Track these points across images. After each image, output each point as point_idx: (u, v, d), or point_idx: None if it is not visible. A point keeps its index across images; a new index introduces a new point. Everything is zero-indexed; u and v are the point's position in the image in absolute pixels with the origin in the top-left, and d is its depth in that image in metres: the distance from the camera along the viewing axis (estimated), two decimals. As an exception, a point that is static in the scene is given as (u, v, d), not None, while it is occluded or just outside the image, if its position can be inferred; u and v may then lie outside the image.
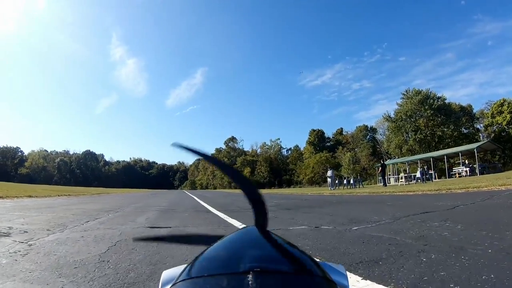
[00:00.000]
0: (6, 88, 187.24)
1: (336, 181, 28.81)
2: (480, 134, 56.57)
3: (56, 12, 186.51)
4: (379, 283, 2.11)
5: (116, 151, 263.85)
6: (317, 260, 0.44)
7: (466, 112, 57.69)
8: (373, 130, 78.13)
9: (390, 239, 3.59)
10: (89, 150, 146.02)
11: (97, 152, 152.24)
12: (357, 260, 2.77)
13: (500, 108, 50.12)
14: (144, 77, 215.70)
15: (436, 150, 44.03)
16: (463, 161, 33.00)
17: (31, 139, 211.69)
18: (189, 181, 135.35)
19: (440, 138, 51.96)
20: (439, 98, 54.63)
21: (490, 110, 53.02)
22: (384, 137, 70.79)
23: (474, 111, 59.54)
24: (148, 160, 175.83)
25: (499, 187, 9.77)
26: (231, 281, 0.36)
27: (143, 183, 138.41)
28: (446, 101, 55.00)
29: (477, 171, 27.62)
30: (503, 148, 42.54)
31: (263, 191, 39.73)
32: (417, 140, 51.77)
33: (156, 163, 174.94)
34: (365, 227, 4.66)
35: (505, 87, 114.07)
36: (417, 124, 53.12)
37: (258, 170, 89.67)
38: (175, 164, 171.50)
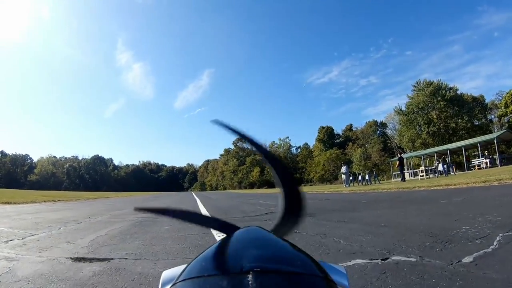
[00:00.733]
0: (15, 96, 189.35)
1: (351, 178, 27.83)
2: (494, 126, 55.30)
3: (61, 20, 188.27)
4: None
5: (125, 155, 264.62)
6: (317, 260, 0.43)
7: (478, 103, 56.18)
8: (383, 125, 77.11)
9: None
10: (98, 155, 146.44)
11: (106, 157, 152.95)
12: None
13: (513, 97, 48.65)
14: (150, 81, 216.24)
15: (450, 143, 42.69)
16: (481, 152, 31.86)
17: (40, 146, 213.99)
18: (198, 182, 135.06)
19: (453, 130, 50.66)
20: (450, 89, 53.36)
21: (503, 99, 51.39)
22: (395, 131, 69.92)
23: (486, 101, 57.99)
24: (157, 163, 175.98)
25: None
26: (231, 281, 0.36)
27: (153, 186, 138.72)
28: (458, 92, 53.78)
29: (497, 162, 26.50)
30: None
31: (273, 191, 38.62)
32: (430, 133, 50.44)
33: (165, 166, 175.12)
34: (484, 252, 2.72)
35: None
36: (429, 117, 51.83)
37: (268, 170, 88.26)
38: (184, 166, 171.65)
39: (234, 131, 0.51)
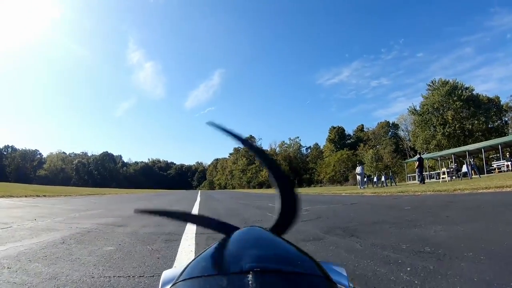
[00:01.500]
0: (27, 93, 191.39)
1: (365, 179, 26.83)
2: (508, 128, 53.80)
3: (73, 19, 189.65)
4: None
5: (135, 152, 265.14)
6: (318, 260, 0.44)
7: (493, 104, 54.59)
8: (395, 126, 75.87)
9: None
10: (107, 152, 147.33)
11: (115, 154, 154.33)
12: None
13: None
14: (161, 80, 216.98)
15: (465, 145, 41.28)
16: (501, 155, 30.58)
17: (51, 142, 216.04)
18: (207, 181, 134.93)
19: (470, 132, 49.15)
20: (466, 88, 51.84)
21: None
22: (407, 133, 68.72)
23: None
24: (167, 161, 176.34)
25: None
26: (231, 281, 0.36)
27: (161, 183, 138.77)
28: (473, 93, 52.24)
29: (520, 165, 25.28)
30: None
31: None
32: (446, 134, 49.02)
33: (174, 164, 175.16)
34: None
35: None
36: (444, 117, 50.34)
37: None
38: (193, 165, 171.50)
39: (230, 133, 0.51)
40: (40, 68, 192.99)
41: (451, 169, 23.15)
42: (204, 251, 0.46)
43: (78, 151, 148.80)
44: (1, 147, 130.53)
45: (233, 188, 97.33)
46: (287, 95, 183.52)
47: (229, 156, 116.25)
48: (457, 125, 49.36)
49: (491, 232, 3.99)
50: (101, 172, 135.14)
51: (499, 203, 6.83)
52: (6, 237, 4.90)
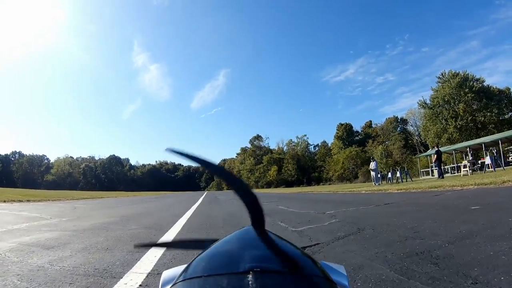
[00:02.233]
0: (34, 99, 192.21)
1: (379, 175, 25.86)
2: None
3: (78, 23, 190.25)
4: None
5: (142, 155, 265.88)
6: (317, 260, 0.44)
7: (505, 96, 53.30)
8: (404, 121, 74.86)
9: None
10: (114, 155, 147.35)
11: (122, 157, 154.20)
12: None
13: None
14: (167, 82, 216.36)
15: (477, 138, 40.09)
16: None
17: (58, 146, 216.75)
18: (215, 182, 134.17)
19: (482, 124, 47.94)
20: (477, 80, 50.72)
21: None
22: (416, 128, 67.60)
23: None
24: (174, 163, 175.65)
25: None
26: (231, 281, 0.36)
27: (169, 185, 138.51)
28: (484, 84, 51.09)
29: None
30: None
31: (292, 190, 36.22)
32: (458, 127, 47.82)
33: (182, 166, 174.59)
34: None
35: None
36: (456, 110, 49.20)
37: (285, 168, 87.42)
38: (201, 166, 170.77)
39: (189, 157, 0.51)
40: (47, 74, 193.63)
41: (472, 162, 22.15)
42: (204, 251, 0.45)
43: (85, 155, 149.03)
44: (8, 153, 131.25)
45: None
46: (293, 94, 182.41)
47: (236, 156, 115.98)
48: (469, 118, 48.18)
49: None
50: (108, 176, 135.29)
51: None
52: None
